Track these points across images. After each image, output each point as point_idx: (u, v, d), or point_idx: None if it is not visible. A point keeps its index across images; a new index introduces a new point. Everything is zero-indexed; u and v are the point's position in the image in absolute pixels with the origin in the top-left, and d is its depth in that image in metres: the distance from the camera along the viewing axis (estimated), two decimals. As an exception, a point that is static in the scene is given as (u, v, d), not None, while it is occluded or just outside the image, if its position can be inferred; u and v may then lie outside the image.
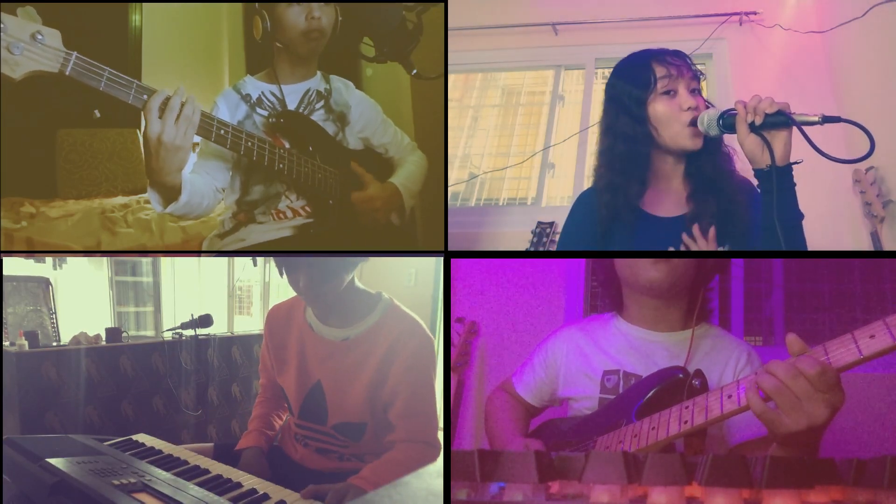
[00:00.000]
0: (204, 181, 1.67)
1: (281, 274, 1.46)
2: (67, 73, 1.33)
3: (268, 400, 1.70)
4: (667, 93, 1.37)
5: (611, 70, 1.49)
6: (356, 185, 1.77)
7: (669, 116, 1.37)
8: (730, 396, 1.03)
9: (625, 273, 1.44)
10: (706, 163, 1.39)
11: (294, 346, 1.55)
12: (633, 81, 1.40)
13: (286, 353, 1.57)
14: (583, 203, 1.53)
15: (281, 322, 1.60)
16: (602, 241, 1.44)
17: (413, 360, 1.43)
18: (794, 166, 1.26)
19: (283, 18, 1.69)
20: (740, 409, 1.01)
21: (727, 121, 1.31)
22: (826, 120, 1.24)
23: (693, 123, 1.36)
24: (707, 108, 1.38)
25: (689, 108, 1.36)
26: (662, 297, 1.42)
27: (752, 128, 1.26)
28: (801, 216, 1.29)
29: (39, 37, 1.30)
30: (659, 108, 1.37)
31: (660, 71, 1.37)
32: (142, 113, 1.41)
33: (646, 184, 1.43)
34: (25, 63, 1.29)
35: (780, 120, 1.24)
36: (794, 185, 1.27)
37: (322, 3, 1.70)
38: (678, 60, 1.39)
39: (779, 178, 1.25)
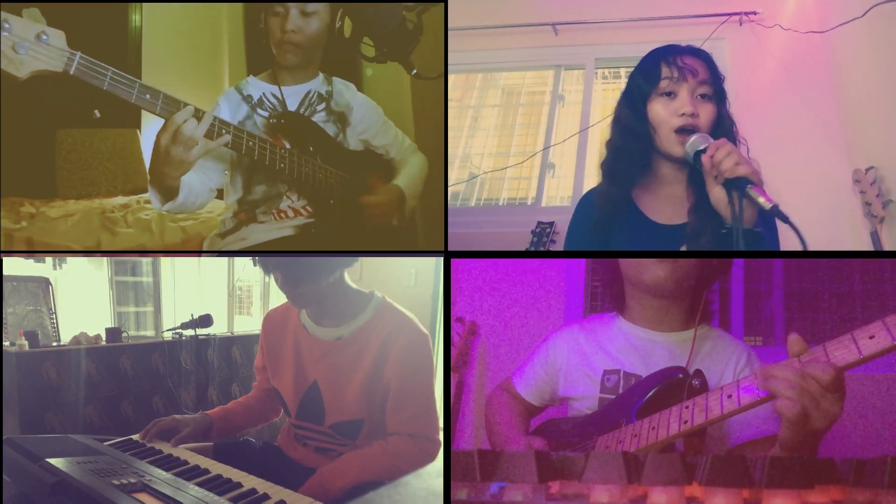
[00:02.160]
0: (200, 181, 1.70)
1: (267, 273, 1.47)
2: (72, 72, 1.35)
3: (254, 398, 1.72)
4: (667, 94, 1.36)
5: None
6: (365, 190, 1.77)
7: (663, 119, 1.36)
8: (730, 396, 1.03)
9: (629, 272, 1.44)
10: None
11: (290, 348, 1.55)
12: (642, 77, 1.39)
13: (282, 355, 1.57)
14: (585, 205, 1.53)
15: (276, 325, 1.61)
16: (603, 244, 1.43)
17: (406, 356, 1.43)
18: (774, 215, 1.17)
19: (268, 26, 1.73)
20: (740, 409, 1.01)
21: (699, 160, 1.27)
22: (773, 212, 1.16)
23: (681, 131, 1.33)
24: (717, 116, 1.36)
25: (683, 115, 1.33)
26: (666, 296, 1.42)
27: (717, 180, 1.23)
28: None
29: (44, 37, 1.32)
30: (656, 108, 1.37)
31: (664, 71, 1.35)
32: (144, 112, 1.43)
33: (644, 177, 1.42)
34: (30, 62, 1.31)
35: (736, 187, 1.20)
36: (775, 237, 1.21)
37: (308, 14, 1.70)
38: (689, 61, 1.36)
39: (745, 241, 1.19)
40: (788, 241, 1.19)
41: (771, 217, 1.20)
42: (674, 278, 1.36)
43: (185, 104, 1.46)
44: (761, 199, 1.17)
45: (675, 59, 1.36)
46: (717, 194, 1.24)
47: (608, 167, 1.46)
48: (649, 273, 1.37)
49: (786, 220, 1.16)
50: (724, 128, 1.37)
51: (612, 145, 1.45)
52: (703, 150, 1.27)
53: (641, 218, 1.42)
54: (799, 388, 0.92)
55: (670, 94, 1.36)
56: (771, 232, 1.31)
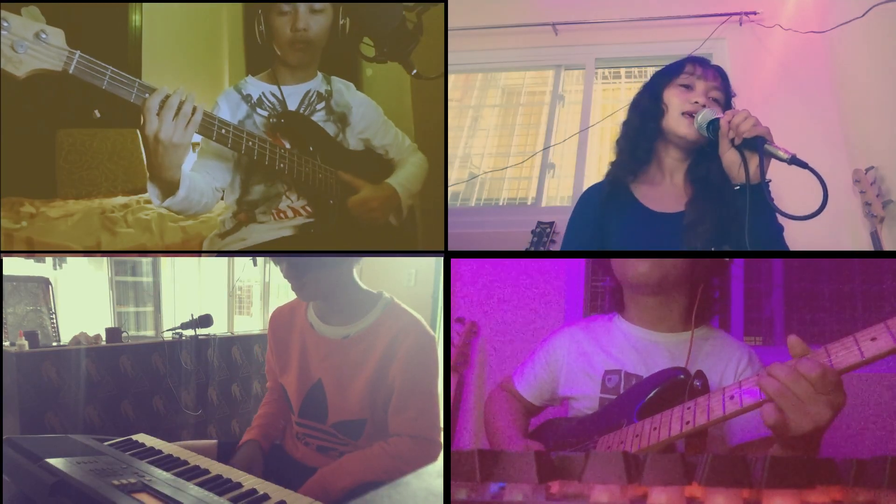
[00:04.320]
0: (203, 180, 1.67)
1: (275, 263, 1.47)
2: (71, 71, 1.34)
3: (274, 401, 1.71)
4: (684, 86, 1.44)
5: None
6: (351, 191, 1.77)
7: (675, 103, 1.44)
8: (731, 397, 1.03)
9: (617, 268, 1.46)
10: (711, 164, 1.39)
11: (296, 346, 1.55)
12: (664, 74, 1.49)
13: (288, 353, 1.57)
14: (587, 198, 1.56)
15: (283, 323, 1.61)
16: (602, 234, 1.46)
17: (412, 357, 1.43)
18: (794, 164, 1.26)
19: (273, 26, 1.70)
20: (742, 409, 1.01)
21: (714, 128, 1.35)
22: (793, 161, 1.26)
23: (689, 115, 1.41)
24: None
25: (696, 103, 1.41)
26: (654, 293, 1.43)
27: (733, 143, 1.31)
28: (778, 231, 1.31)
29: (43, 35, 1.31)
30: (671, 93, 1.45)
31: (688, 67, 1.46)
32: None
33: (647, 164, 1.47)
34: (29, 61, 1.30)
35: (753, 145, 1.28)
36: (770, 202, 1.29)
37: (317, 11, 1.70)
38: (710, 71, 1.46)
39: (752, 196, 1.28)
40: (805, 196, 1.26)
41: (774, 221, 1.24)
42: (656, 274, 1.38)
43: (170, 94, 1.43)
44: (780, 152, 1.27)
45: (699, 62, 1.48)
46: (731, 157, 1.32)
47: (622, 144, 1.52)
48: (632, 268, 1.40)
49: (805, 166, 1.25)
50: None
51: (628, 124, 1.52)
52: (716, 119, 1.35)
53: (639, 207, 1.43)
54: (784, 391, 0.92)
55: (687, 87, 1.44)
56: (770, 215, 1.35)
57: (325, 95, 1.83)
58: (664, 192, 1.47)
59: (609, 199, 1.47)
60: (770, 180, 1.31)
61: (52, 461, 1.21)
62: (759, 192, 1.28)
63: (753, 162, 1.28)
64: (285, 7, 1.68)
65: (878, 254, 2.26)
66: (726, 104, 1.46)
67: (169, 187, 1.53)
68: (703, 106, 1.40)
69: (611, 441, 1.26)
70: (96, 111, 3.63)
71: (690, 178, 1.45)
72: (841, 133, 2.45)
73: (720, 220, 1.36)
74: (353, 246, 1.76)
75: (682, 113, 1.42)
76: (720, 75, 1.48)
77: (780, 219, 1.31)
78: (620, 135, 1.54)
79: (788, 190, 1.41)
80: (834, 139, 2.45)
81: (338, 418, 1.47)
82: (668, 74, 1.48)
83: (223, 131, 1.55)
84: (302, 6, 1.69)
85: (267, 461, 1.57)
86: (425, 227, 2.23)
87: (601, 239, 1.47)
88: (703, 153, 1.42)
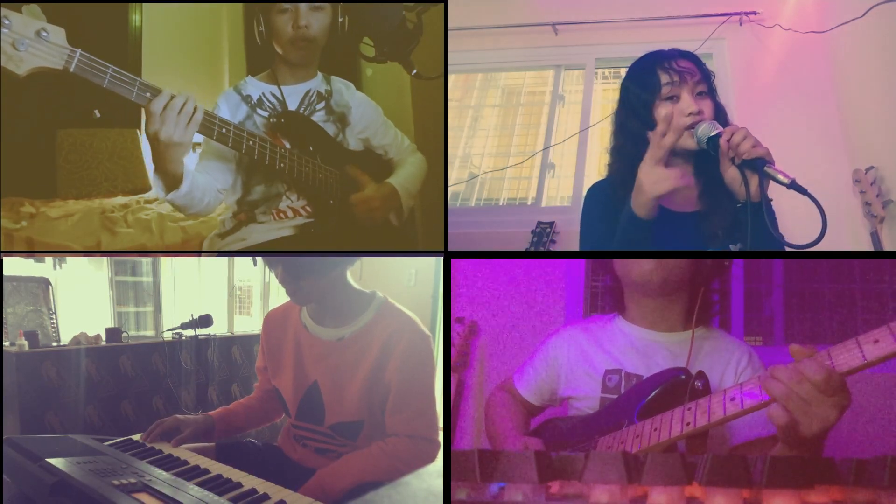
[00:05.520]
0: (205, 180, 1.68)
1: (270, 268, 1.47)
2: (72, 69, 1.34)
3: (255, 399, 1.72)
4: (670, 98, 1.39)
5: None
6: (354, 187, 1.77)
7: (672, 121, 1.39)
8: (732, 399, 1.03)
9: (620, 269, 1.45)
10: (715, 165, 1.37)
11: (290, 348, 1.55)
12: (641, 86, 1.43)
13: (282, 355, 1.57)
14: (597, 194, 1.53)
15: (277, 325, 1.61)
16: (617, 233, 1.44)
17: (408, 357, 1.43)
18: (794, 189, 1.26)
19: (274, 25, 1.71)
20: (743, 411, 1.01)
21: (714, 144, 1.34)
22: (792, 186, 1.25)
23: (692, 127, 1.37)
24: (715, 109, 1.40)
25: (690, 114, 1.37)
26: (657, 293, 1.42)
27: (733, 162, 1.30)
28: (780, 245, 1.30)
29: (44, 34, 1.31)
30: (663, 112, 1.39)
31: (664, 78, 1.39)
32: (143, 110, 1.44)
33: None
34: (30, 59, 1.30)
35: (753, 167, 1.28)
36: (773, 217, 1.29)
37: (317, 9, 1.71)
38: (684, 64, 1.40)
39: (754, 214, 1.28)
40: (806, 217, 1.27)
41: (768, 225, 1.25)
42: (660, 273, 1.37)
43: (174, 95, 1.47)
44: (780, 176, 1.26)
45: (670, 63, 1.40)
46: (732, 174, 1.32)
47: (619, 171, 1.47)
48: (636, 268, 1.39)
49: (804, 192, 1.25)
50: (722, 118, 1.42)
51: (621, 151, 1.47)
52: (715, 136, 1.34)
53: (659, 208, 1.42)
54: (790, 393, 0.92)
55: (672, 98, 1.39)
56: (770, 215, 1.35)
57: (325, 95, 1.83)
58: (674, 192, 1.45)
59: (623, 199, 1.43)
60: (772, 199, 1.30)
61: (52, 461, 1.22)
62: (761, 210, 1.28)
63: (754, 181, 1.28)
64: (286, 5, 1.69)
65: (878, 254, 2.26)
66: (710, 90, 1.42)
67: (173, 181, 1.57)
68: (700, 112, 1.37)
69: (611, 442, 1.26)
70: (96, 111, 3.63)
71: (697, 176, 1.44)
72: (841, 133, 2.45)
73: (734, 213, 1.36)
74: (353, 246, 1.76)
75: (686, 128, 1.38)
76: (693, 63, 1.42)
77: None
78: (616, 161, 1.47)
79: (792, 206, 1.40)
80: (834, 139, 2.45)
81: (335, 420, 1.47)
82: (648, 89, 1.40)
83: (223, 130, 1.56)
84: (303, 4, 1.69)
85: (265, 462, 1.57)
86: (425, 227, 2.23)
87: (618, 235, 1.45)
88: (704, 155, 1.40)
